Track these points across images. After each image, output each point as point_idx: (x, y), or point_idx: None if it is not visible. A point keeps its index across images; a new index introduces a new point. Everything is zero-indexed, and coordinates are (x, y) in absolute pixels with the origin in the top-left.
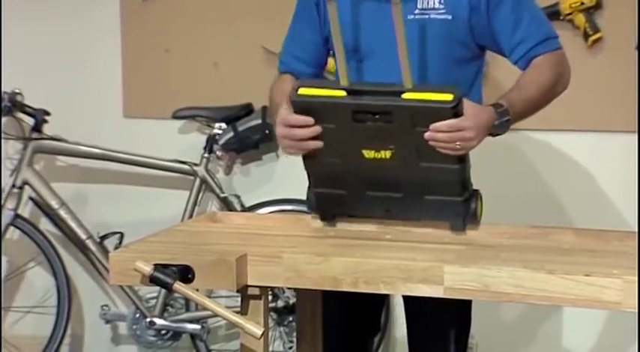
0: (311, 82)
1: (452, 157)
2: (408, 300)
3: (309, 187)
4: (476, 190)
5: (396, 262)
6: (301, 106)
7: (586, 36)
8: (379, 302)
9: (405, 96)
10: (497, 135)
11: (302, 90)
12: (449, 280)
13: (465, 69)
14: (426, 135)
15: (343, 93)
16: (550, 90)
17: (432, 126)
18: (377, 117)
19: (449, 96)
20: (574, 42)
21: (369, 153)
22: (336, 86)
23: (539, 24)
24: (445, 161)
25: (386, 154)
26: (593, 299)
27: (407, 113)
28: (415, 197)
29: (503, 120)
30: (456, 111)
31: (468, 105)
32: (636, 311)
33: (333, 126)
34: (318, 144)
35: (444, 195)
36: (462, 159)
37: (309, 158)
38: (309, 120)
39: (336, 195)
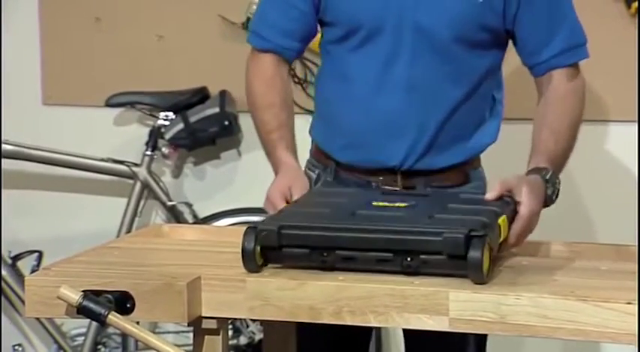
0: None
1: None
2: (409, 334)
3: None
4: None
5: (389, 287)
6: None
7: (628, 2)
8: (367, 337)
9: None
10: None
11: None
12: (456, 309)
13: (481, 57)
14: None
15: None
16: (578, 129)
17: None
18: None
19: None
20: (614, 8)
21: (378, 204)
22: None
23: (575, 26)
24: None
25: (400, 205)
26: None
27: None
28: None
29: (556, 190)
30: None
31: (524, 185)
32: None
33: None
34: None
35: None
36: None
37: None
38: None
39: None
